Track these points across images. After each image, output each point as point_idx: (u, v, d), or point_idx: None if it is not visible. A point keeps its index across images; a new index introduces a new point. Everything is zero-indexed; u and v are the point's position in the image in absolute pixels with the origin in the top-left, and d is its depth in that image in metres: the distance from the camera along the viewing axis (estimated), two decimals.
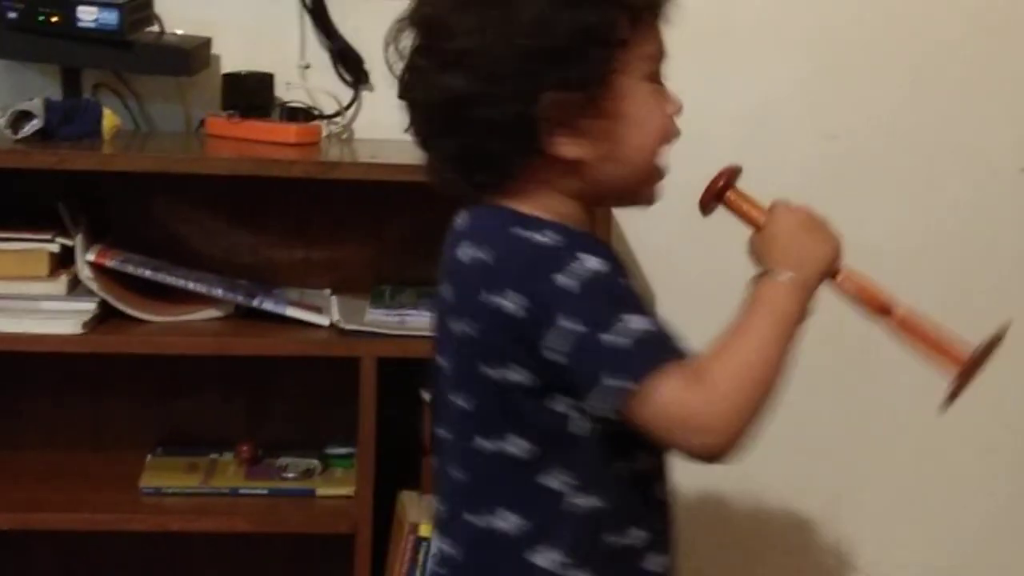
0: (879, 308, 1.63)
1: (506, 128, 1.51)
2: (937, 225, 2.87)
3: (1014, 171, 2.88)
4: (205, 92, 2.62)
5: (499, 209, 1.57)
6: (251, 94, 2.57)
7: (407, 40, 1.58)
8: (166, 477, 2.56)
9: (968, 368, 1.60)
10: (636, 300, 1.53)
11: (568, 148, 1.53)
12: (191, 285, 2.46)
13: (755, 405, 1.49)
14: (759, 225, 1.62)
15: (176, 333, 2.45)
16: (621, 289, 1.53)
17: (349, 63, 2.67)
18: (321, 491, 2.55)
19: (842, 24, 2.77)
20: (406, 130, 1.61)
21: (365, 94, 2.70)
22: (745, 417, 1.48)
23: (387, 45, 1.59)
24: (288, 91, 2.65)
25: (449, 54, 1.51)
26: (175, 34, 2.57)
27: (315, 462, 2.61)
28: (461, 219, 1.61)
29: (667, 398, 1.46)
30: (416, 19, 1.57)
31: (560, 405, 1.53)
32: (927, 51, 2.82)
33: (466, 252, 1.55)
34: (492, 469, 1.56)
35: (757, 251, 1.61)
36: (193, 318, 2.47)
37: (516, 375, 1.52)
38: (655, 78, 1.57)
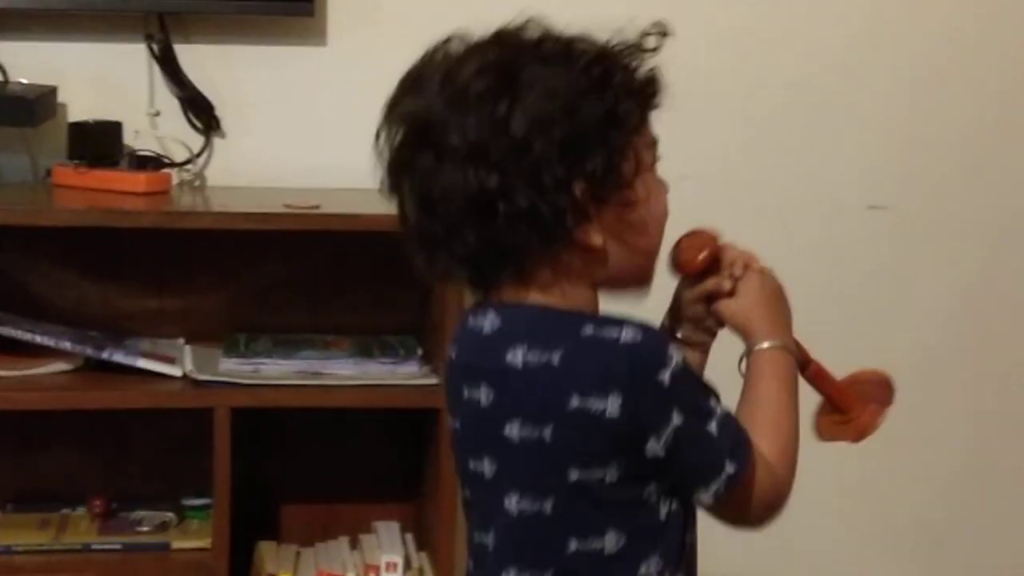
0: (801, 360, 1.72)
1: (535, 220, 1.47)
2: (787, 263, 2.90)
3: (862, 209, 2.93)
4: (52, 141, 2.57)
5: (545, 309, 1.53)
6: (99, 143, 2.53)
7: (396, 136, 1.53)
8: (16, 535, 2.49)
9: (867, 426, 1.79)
10: (703, 380, 1.60)
11: (592, 236, 1.51)
12: (38, 338, 2.41)
13: (796, 467, 1.62)
14: (730, 291, 1.66)
15: (24, 388, 2.39)
16: (695, 373, 1.58)
17: (199, 110, 2.65)
18: (176, 544, 2.50)
19: (687, 64, 2.79)
20: (400, 228, 1.56)
21: (217, 141, 2.68)
22: (794, 479, 1.62)
23: (378, 140, 1.54)
24: (137, 139, 2.61)
25: (467, 150, 1.47)
26: (19, 83, 2.53)
27: (170, 515, 2.57)
28: (490, 321, 1.55)
29: (756, 480, 1.56)
30: (412, 116, 1.52)
31: (651, 492, 1.53)
32: (774, 91, 2.86)
33: (527, 358, 1.50)
34: (586, 569, 1.53)
35: (737, 320, 1.66)
36: (41, 372, 2.41)
37: (612, 474, 1.50)
38: (654, 164, 1.58)
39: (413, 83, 1.54)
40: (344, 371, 2.45)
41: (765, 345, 1.64)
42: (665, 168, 2.77)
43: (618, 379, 1.47)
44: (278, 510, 2.70)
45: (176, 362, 2.45)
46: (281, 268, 2.66)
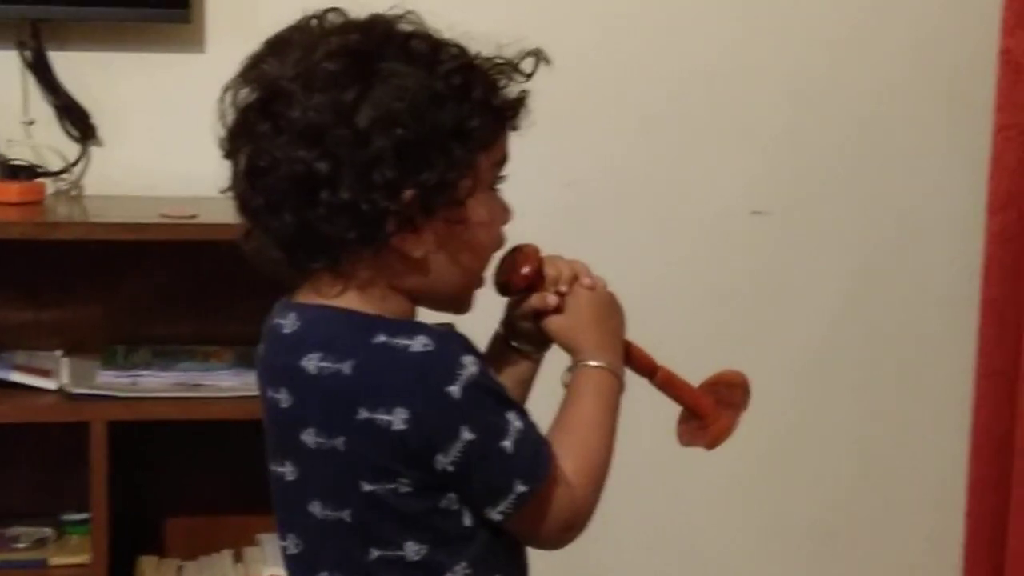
0: (647, 369, 1.71)
1: (355, 217, 1.43)
2: (671, 268, 2.92)
3: (745, 214, 2.95)
4: None
5: (343, 313, 1.49)
6: None
7: (244, 97, 1.48)
8: None
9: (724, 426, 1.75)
10: (505, 392, 1.53)
11: (412, 245, 1.47)
12: None
13: (602, 490, 1.57)
14: (557, 308, 1.62)
15: None
16: (494, 385, 1.51)
17: (75, 118, 2.61)
18: (55, 560, 2.46)
19: (572, 71, 2.80)
20: (226, 191, 1.52)
21: (93, 149, 2.64)
22: (597, 503, 1.57)
23: (223, 99, 1.50)
24: (11, 148, 2.56)
25: (303, 128, 1.43)
26: None
27: (48, 530, 2.52)
28: (291, 321, 1.51)
29: (553, 501, 1.51)
30: (263, 81, 1.47)
31: (450, 502, 1.49)
32: (657, 97, 2.88)
33: (320, 365, 1.46)
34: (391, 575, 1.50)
35: (564, 337, 1.62)
36: None
37: (404, 488, 1.46)
38: (496, 183, 1.54)
39: (275, 47, 1.50)
40: (224, 382, 2.42)
41: (590, 364, 1.60)
42: (549, 174, 2.81)
43: (405, 391, 1.44)
44: (159, 524, 2.66)
45: (52, 375, 2.41)
46: (160, 278, 2.62)
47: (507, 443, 1.47)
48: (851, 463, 3.11)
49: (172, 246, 2.42)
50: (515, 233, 1.65)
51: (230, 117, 1.50)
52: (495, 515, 1.49)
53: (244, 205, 1.50)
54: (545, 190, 2.81)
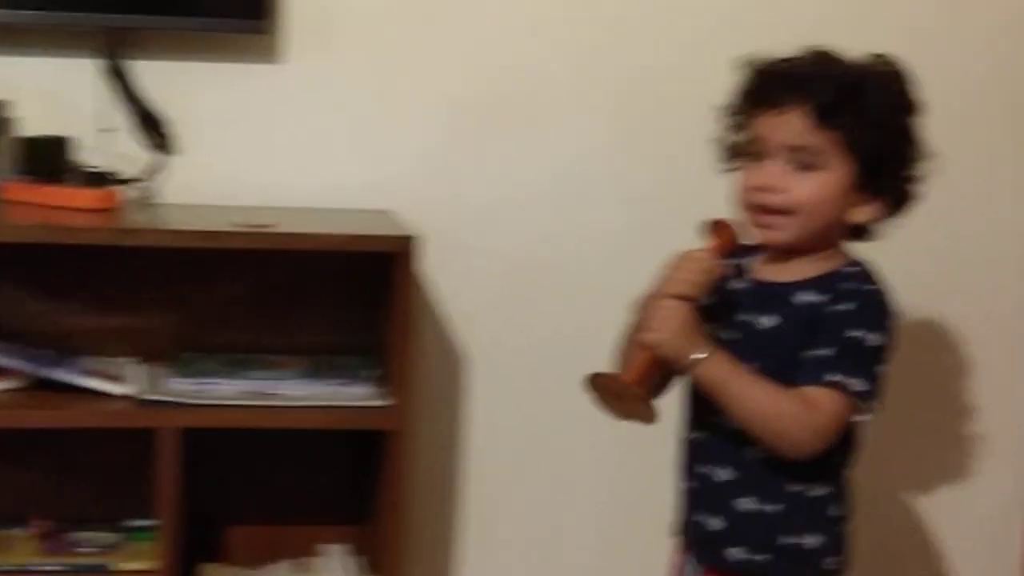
0: None
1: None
2: None
3: None
4: (2, 156, 2.54)
5: None
6: (48, 158, 2.50)
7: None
8: None
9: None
10: None
11: None
12: None
13: None
14: None
15: None
16: None
17: (153, 127, 2.63)
18: (120, 566, 2.46)
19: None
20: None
21: (170, 158, 2.65)
22: None
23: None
24: (90, 155, 2.58)
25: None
26: None
27: (114, 536, 2.53)
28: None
29: None
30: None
31: None
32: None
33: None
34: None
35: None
36: None
37: None
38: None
39: None
40: (293, 392, 2.42)
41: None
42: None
43: None
44: (223, 532, 2.67)
45: (123, 381, 2.42)
46: (234, 287, 2.64)
47: None
48: None
49: (243, 255, 2.43)
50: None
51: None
52: None
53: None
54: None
